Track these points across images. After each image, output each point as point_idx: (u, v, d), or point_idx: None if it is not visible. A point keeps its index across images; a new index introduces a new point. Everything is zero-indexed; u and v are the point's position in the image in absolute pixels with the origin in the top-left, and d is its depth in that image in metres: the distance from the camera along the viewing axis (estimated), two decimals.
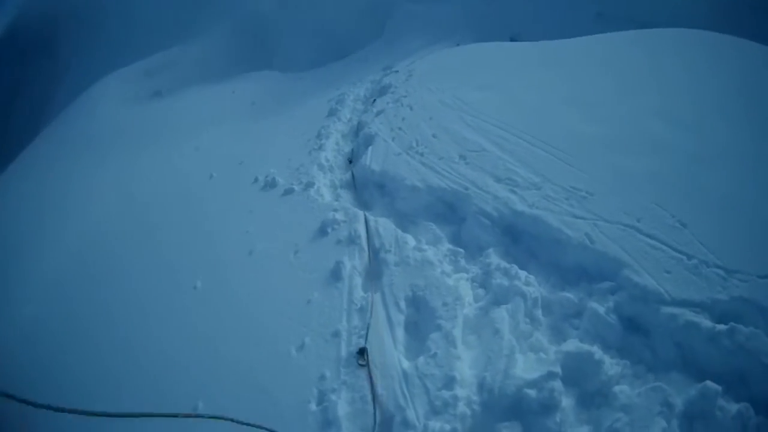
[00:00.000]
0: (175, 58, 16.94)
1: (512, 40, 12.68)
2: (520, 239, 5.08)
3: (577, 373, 3.55)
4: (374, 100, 9.56)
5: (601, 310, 3.98)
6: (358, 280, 4.93)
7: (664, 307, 3.83)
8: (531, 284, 4.47)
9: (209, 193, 7.42)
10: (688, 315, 3.72)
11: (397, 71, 10.56)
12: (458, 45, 11.97)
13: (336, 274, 4.97)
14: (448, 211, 5.79)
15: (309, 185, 6.77)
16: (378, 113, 8.59)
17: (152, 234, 6.61)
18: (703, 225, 4.41)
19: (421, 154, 6.63)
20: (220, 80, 14.25)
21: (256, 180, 7.23)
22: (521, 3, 14.05)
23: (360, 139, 8.19)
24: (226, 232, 6.12)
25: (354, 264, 5.08)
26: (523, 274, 4.55)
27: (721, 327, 3.53)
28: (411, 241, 5.32)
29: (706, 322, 3.63)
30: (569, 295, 4.31)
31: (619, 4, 12.42)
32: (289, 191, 6.74)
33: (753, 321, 3.60)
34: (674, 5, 11.61)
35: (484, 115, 6.95)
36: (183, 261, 5.74)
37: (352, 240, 5.41)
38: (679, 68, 6.94)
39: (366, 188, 6.82)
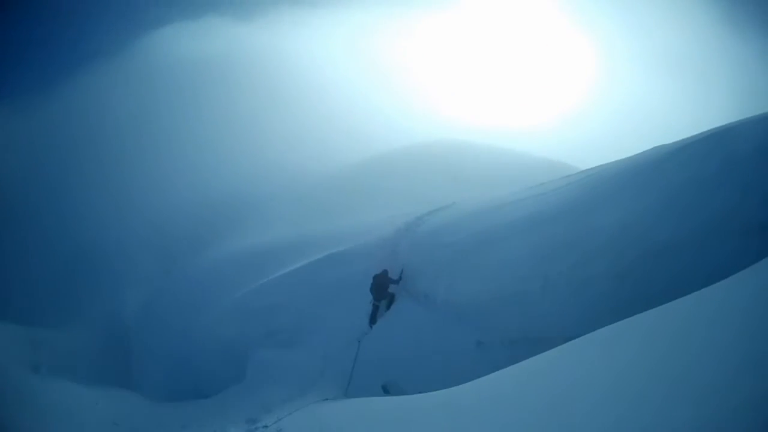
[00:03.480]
0: (54, 340, 18.16)
1: (384, 390, 11.77)
2: None
3: None
4: None
5: None
6: None
7: None
8: None
9: None
10: None
11: (265, 427, 9.72)
12: (326, 400, 11.02)
13: None
14: None
15: None
16: None
17: None
18: None
19: None
20: (89, 382, 14.45)
21: None
22: (390, 342, 13.36)
23: None
24: None
25: None
26: None
27: None
28: None
29: None
30: None
31: (500, 328, 11.88)
32: None
33: None
34: (571, 308, 11.11)
35: None
36: None
37: None
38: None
39: None
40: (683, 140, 12.88)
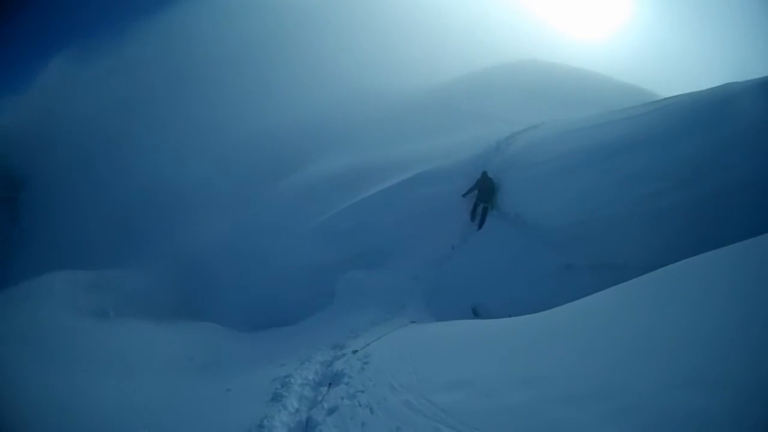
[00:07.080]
0: (121, 280, 17.92)
1: (474, 312, 12.20)
2: None
3: None
4: (329, 384, 8.57)
5: None
6: None
7: None
8: None
9: None
10: None
11: (351, 353, 9.71)
12: (413, 323, 11.24)
13: None
14: None
15: None
16: (331, 411, 7.32)
17: None
18: None
19: None
20: (162, 319, 14.31)
21: None
22: (478, 265, 13.54)
23: None
24: None
25: None
26: None
27: None
28: None
29: None
30: None
31: (588, 252, 11.90)
32: None
33: None
34: (654, 237, 10.97)
35: (468, 429, 5.34)
36: None
37: None
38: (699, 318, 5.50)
39: None
40: (751, 80, 12.49)
